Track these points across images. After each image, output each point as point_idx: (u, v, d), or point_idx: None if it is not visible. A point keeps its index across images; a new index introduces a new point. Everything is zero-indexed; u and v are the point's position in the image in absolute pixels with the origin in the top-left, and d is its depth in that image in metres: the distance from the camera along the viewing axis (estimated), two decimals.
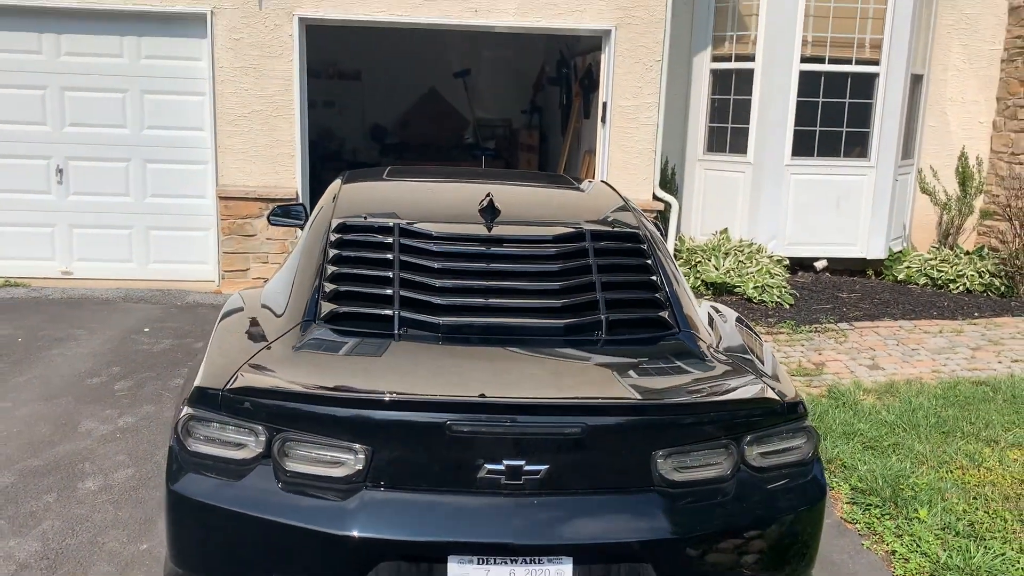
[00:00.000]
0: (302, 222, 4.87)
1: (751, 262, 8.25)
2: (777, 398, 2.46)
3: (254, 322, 2.91)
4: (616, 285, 2.97)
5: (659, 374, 2.63)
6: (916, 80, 9.16)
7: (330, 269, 2.98)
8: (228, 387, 2.32)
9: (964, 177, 9.46)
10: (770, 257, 8.44)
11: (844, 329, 7.15)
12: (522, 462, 2.24)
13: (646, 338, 2.83)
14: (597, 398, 2.40)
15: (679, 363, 2.69)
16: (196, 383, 2.39)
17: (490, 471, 2.24)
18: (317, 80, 11.40)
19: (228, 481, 2.30)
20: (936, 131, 9.54)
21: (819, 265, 9.20)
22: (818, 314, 7.55)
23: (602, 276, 2.97)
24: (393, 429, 2.25)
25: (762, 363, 2.76)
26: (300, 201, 7.90)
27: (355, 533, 2.21)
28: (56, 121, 7.80)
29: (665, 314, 2.91)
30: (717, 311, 3.33)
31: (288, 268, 3.31)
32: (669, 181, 9.03)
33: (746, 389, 2.52)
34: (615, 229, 3.27)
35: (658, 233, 3.62)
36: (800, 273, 9.04)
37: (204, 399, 2.35)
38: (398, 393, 2.32)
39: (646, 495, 2.31)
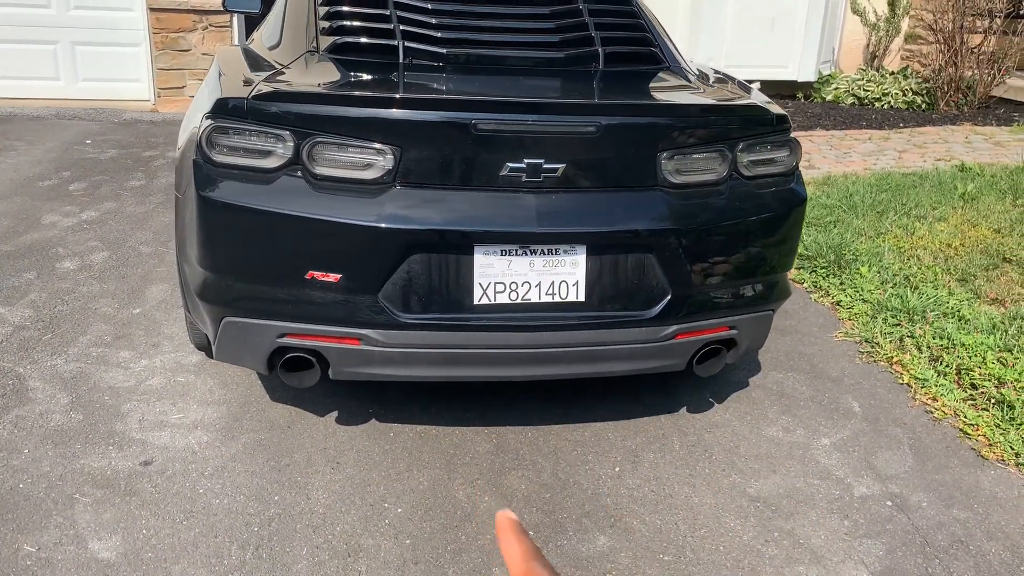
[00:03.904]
0: (258, 8, 4.73)
1: None
2: (768, 109, 2.66)
3: (254, 58, 2.94)
4: (608, 27, 3.08)
5: (661, 90, 2.81)
6: None
7: (323, 11, 2.99)
8: (253, 94, 2.37)
9: None
10: None
11: None
12: (541, 160, 2.39)
13: (641, 69, 2.98)
14: (611, 100, 2.56)
15: (678, 84, 2.87)
16: (217, 97, 2.43)
17: (512, 169, 2.39)
18: None
19: (259, 186, 2.40)
20: None
21: (754, 88, 9.43)
22: None
23: (594, 19, 3.08)
24: (421, 128, 2.36)
25: (750, 92, 2.96)
26: None
27: (387, 226, 2.35)
28: None
29: (656, 50, 3.05)
30: (699, 66, 3.48)
31: (272, 21, 3.30)
32: None
33: (742, 100, 2.72)
34: None
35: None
36: None
37: (227, 109, 2.39)
38: (427, 92, 2.41)
39: (652, 193, 2.51)
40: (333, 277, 2.39)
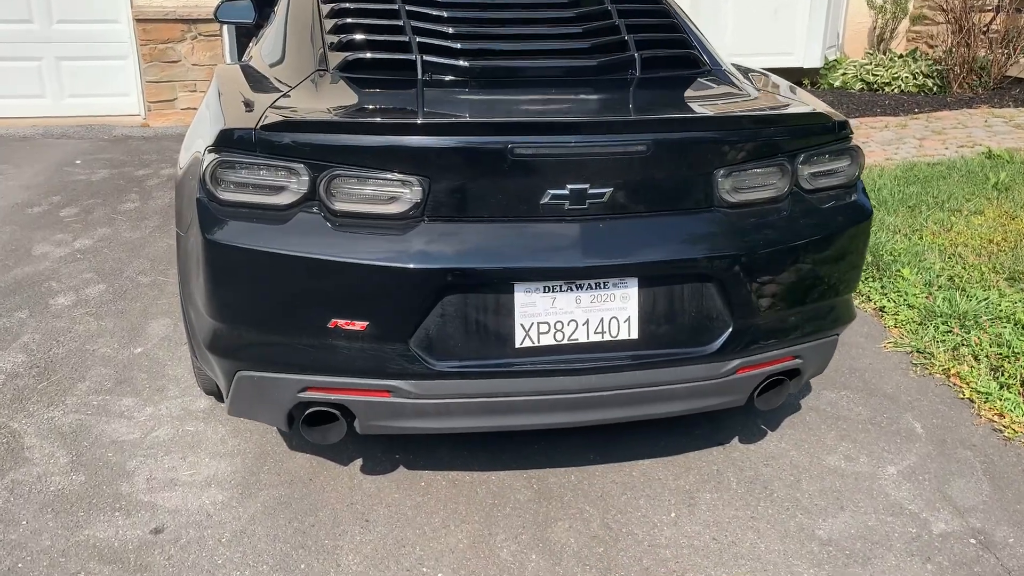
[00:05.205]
0: (252, 18, 4.46)
1: None
2: (830, 115, 2.41)
3: (256, 78, 2.68)
4: (640, 28, 2.83)
5: (710, 99, 2.56)
6: None
7: (329, 23, 2.73)
8: (262, 124, 2.11)
9: None
10: None
11: None
12: (586, 185, 2.14)
13: (682, 75, 2.73)
14: (662, 115, 2.31)
15: (727, 91, 2.61)
16: (220, 127, 2.18)
17: (553, 196, 2.14)
18: None
19: (272, 226, 2.14)
20: None
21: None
22: None
23: (625, 20, 2.82)
24: (452, 156, 2.11)
25: (800, 95, 2.71)
26: None
27: (418, 266, 2.10)
28: None
29: (695, 52, 2.80)
30: (737, 66, 3.23)
31: (273, 35, 3.04)
32: None
33: (798, 107, 2.47)
34: None
35: None
36: None
37: (232, 141, 2.14)
38: (455, 114, 2.15)
39: (707, 215, 2.26)
40: (359, 325, 2.14)
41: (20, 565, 2.34)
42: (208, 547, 2.42)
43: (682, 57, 2.79)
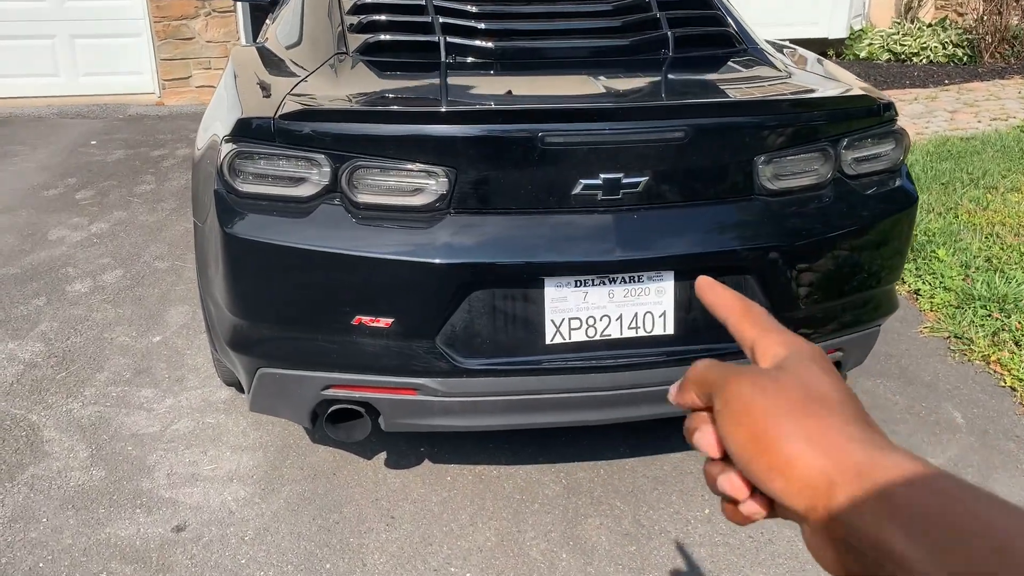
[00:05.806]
0: None
1: None
2: (875, 97, 2.30)
3: (273, 62, 2.58)
4: (672, 4, 2.71)
5: (748, 81, 2.44)
6: None
7: (348, 3, 2.63)
8: (281, 113, 2.03)
9: None
10: None
11: None
12: (620, 175, 2.04)
13: (717, 54, 2.61)
14: (702, 99, 2.20)
15: (766, 72, 2.50)
16: (238, 116, 2.09)
17: (586, 186, 2.04)
18: None
19: (293, 219, 2.06)
20: None
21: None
22: None
23: None
24: (479, 145, 2.01)
25: (839, 74, 2.59)
26: None
27: (444, 260, 2.01)
28: None
29: (730, 30, 2.68)
30: (773, 43, 3.10)
31: (289, 16, 2.94)
32: None
33: (841, 89, 2.35)
34: None
35: None
36: None
37: (251, 131, 2.05)
38: (483, 101, 2.06)
39: (747, 204, 2.16)
40: (384, 322, 2.06)
41: (41, 564, 2.30)
42: (231, 546, 2.37)
43: (716, 35, 2.67)
